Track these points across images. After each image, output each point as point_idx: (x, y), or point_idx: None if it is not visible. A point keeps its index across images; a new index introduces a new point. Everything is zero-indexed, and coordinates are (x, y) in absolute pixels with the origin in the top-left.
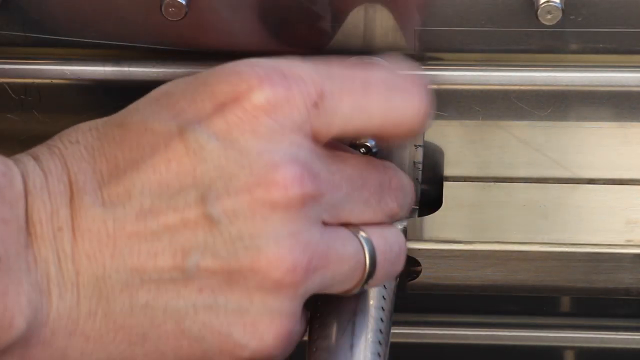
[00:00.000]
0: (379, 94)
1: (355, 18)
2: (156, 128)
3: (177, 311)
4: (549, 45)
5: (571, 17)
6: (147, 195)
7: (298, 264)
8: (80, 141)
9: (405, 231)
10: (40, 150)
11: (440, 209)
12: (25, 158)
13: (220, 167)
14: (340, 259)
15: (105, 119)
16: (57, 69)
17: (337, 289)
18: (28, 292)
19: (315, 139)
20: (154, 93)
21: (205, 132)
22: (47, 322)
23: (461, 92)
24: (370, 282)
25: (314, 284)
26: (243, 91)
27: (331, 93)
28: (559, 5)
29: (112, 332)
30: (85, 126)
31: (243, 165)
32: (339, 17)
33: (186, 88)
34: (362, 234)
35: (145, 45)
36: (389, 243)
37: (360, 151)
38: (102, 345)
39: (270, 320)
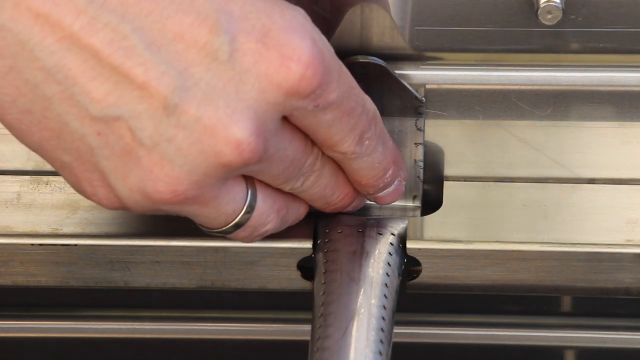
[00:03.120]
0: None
1: (352, 17)
2: None
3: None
4: (549, 45)
5: (571, 17)
6: None
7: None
8: None
9: (405, 230)
10: None
11: (441, 208)
12: None
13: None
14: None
15: None
16: None
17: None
18: None
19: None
20: None
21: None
22: None
23: (461, 92)
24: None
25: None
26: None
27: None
28: (559, 5)
29: None
30: None
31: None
32: (335, 17)
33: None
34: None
35: None
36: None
37: None
38: None
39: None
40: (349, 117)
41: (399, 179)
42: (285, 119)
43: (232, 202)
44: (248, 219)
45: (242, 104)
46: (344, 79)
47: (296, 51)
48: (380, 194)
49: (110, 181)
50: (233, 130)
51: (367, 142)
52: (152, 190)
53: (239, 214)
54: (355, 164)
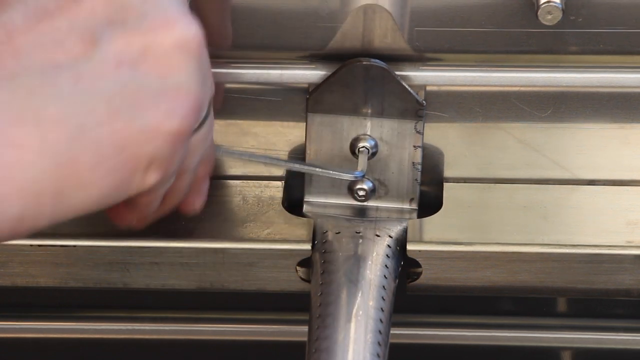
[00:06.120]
0: None
1: (355, 19)
2: None
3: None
4: (549, 45)
5: (571, 18)
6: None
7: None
8: None
9: (402, 233)
10: None
11: (440, 210)
12: None
13: None
14: None
15: None
16: None
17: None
18: None
19: None
20: None
21: None
22: None
23: (461, 92)
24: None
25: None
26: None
27: None
28: (559, 6)
29: (47, 133)
30: None
31: None
32: (338, 18)
33: None
34: None
35: None
36: None
37: (358, 151)
38: (39, 150)
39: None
40: None
41: None
42: None
43: None
44: None
45: None
46: None
47: None
48: None
49: None
50: None
51: None
52: None
53: None
54: None
